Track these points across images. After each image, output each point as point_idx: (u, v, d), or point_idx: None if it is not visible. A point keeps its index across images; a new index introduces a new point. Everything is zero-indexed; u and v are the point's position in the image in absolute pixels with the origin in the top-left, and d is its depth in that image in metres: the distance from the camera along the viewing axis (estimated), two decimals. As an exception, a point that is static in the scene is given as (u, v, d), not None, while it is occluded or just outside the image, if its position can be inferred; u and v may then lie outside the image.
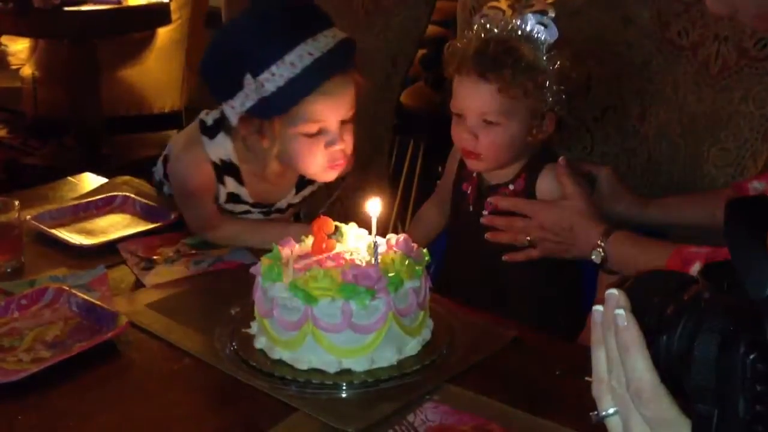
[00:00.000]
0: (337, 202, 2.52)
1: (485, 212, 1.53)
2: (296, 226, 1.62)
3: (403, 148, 3.09)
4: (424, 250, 1.24)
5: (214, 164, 1.56)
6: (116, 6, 3.37)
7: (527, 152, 1.51)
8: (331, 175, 1.54)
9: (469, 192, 1.58)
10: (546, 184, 1.49)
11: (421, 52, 3.11)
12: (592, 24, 1.78)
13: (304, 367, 1.13)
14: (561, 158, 1.47)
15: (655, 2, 1.71)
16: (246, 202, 1.63)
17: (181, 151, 1.61)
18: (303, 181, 1.67)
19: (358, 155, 2.49)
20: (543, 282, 1.54)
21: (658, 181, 1.74)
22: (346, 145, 1.49)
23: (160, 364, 1.20)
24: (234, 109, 1.44)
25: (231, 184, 1.59)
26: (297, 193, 1.69)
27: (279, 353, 1.16)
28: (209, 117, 1.59)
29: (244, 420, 1.07)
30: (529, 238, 1.46)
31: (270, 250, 1.22)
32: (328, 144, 1.47)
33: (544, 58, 1.44)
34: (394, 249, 1.22)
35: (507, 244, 1.50)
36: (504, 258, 1.50)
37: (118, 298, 1.36)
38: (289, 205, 1.72)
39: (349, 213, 2.13)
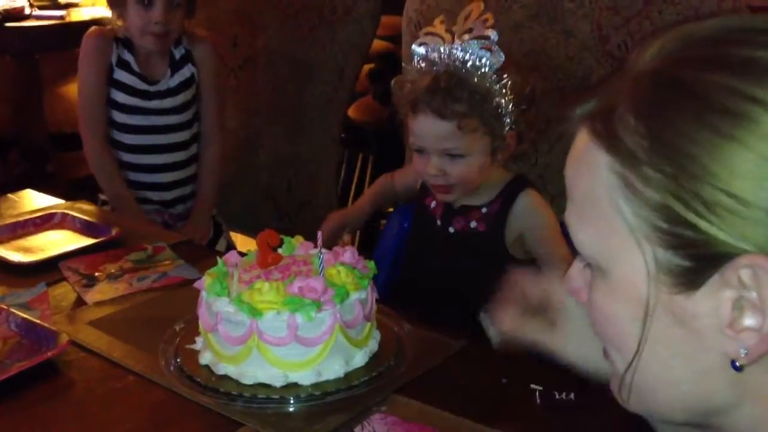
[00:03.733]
0: (284, 216, 2.52)
1: (451, 229, 1.54)
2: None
3: (352, 162, 3.10)
4: (371, 262, 1.24)
5: (115, 37, 2.06)
6: (59, 21, 3.32)
7: (498, 175, 1.52)
8: (149, 43, 2.03)
9: (433, 207, 1.58)
10: (521, 208, 1.50)
11: (368, 66, 3.13)
12: (533, 38, 1.81)
13: (250, 381, 1.12)
14: None
15: (594, 16, 1.74)
16: (133, 71, 2.06)
17: None
18: (175, 62, 2.11)
19: (305, 169, 2.50)
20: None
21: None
22: (164, 20, 1.98)
23: (103, 383, 1.17)
24: None
25: (123, 53, 2.06)
26: (172, 74, 2.11)
27: (224, 368, 1.14)
28: None
29: (188, 437, 1.06)
30: None
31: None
32: (152, 15, 1.98)
33: (495, 83, 1.43)
34: (340, 261, 1.21)
35: (475, 263, 1.50)
36: None
37: (59, 316, 1.34)
38: (168, 91, 2.10)
39: (297, 226, 2.13)
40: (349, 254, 1.23)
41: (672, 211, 0.58)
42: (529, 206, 1.50)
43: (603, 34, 1.73)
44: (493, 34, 1.42)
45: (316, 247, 1.24)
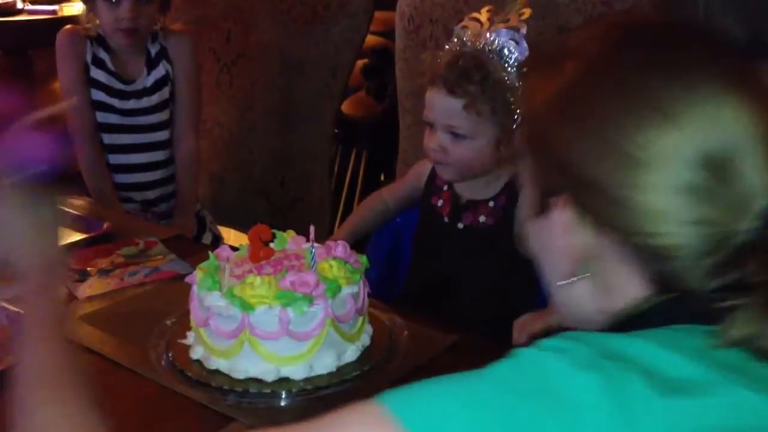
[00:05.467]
0: (277, 212, 2.52)
1: (460, 225, 1.53)
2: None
3: (346, 158, 3.09)
4: (363, 257, 1.24)
5: (88, 35, 2.05)
6: (52, 17, 3.31)
7: (504, 168, 1.50)
8: (120, 38, 2.00)
9: (440, 205, 1.57)
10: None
11: (362, 61, 3.12)
12: (527, 33, 1.80)
13: (242, 376, 1.12)
14: None
15: (587, 10, 1.74)
16: (109, 70, 2.05)
17: None
18: (151, 60, 2.08)
19: (298, 165, 2.49)
20: (515, 292, 1.53)
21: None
22: (131, 15, 1.95)
23: (93, 378, 1.16)
24: None
25: (99, 51, 2.05)
26: (148, 73, 2.07)
27: (216, 363, 1.14)
28: None
29: (180, 432, 1.05)
30: None
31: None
32: (120, 11, 1.95)
33: (514, 75, 1.43)
34: (332, 255, 1.21)
35: (485, 257, 1.49)
36: None
37: (50, 311, 1.33)
38: (144, 91, 2.07)
39: (290, 223, 2.12)
40: (341, 248, 1.23)
41: None
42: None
43: (596, 29, 1.73)
44: (523, 28, 1.43)
45: (308, 241, 1.23)
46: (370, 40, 2.85)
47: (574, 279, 0.73)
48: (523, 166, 0.77)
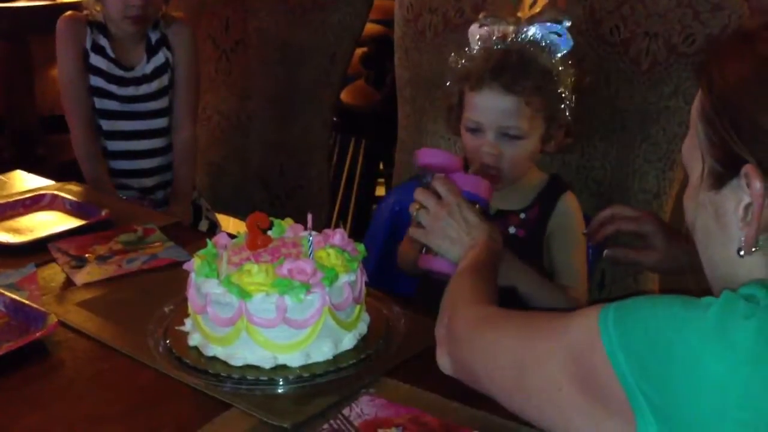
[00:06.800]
0: (276, 200, 2.52)
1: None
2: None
3: (344, 147, 3.09)
4: (361, 245, 1.24)
5: (89, 21, 2.05)
6: (50, 2, 3.30)
7: (534, 177, 1.48)
8: (128, 25, 2.02)
9: None
10: (561, 210, 1.46)
11: (361, 50, 3.12)
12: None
13: (239, 363, 1.12)
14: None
15: (588, 0, 1.74)
16: (109, 57, 2.05)
17: None
18: (151, 47, 2.09)
19: (297, 153, 2.49)
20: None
21: (592, 176, 1.77)
22: (142, 3, 1.98)
23: (91, 364, 1.17)
24: None
25: (99, 38, 2.05)
26: (148, 60, 2.08)
27: (213, 350, 1.14)
28: None
29: (176, 419, 1.06)
30: None
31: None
32: None
33: (560, 67, 1.40)
34: (330, 243, 1.21)
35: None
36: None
37: (48, 297, 1.34)
38: (144, 77, 2.08)
39: (288, 211, 2.13)
40: (338, 237, 1.23)
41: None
42: (568, 208, 1.46)
43: (596, 18, 1.73)
44: (566, 20, 1.39)
45: (306, 229, 1.24)
46: (370, 28, 2.85)
47: (756, 249, 0.77)
48: (690, 143, 0.85)
